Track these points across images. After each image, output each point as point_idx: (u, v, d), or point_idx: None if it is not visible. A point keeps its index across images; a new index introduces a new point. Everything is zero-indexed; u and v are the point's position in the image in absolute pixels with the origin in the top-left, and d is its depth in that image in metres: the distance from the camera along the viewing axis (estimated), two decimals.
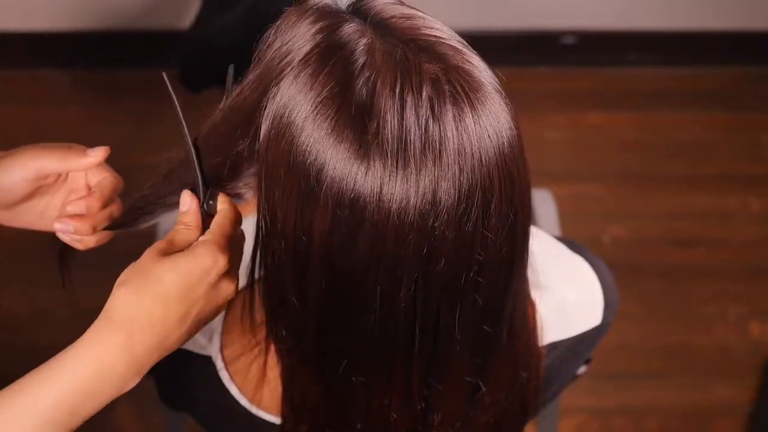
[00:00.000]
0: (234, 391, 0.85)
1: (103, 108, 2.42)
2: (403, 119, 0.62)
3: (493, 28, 2.47)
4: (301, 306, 0.72)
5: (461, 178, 0.64)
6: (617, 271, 1.01)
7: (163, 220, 0.82)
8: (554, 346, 0.88)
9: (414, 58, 0.64)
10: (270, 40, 0.69)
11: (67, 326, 1.94)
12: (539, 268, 0.83)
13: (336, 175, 0.63)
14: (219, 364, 0.85)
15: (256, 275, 0.77)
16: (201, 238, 0.71)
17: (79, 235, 0.79)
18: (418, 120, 0.62)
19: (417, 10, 0.69)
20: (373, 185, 0.63)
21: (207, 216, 0.74)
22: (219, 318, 0.84)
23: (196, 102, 1.23)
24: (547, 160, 2.31)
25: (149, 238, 1.37)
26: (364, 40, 0.65)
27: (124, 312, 0.67)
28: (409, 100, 0.62)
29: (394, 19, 0.66)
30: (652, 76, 2.52)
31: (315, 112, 0.64)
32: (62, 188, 0.81)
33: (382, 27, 0.66)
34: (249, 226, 0.75)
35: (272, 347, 0.80)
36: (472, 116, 0.64)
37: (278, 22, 0.69)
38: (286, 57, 0.67)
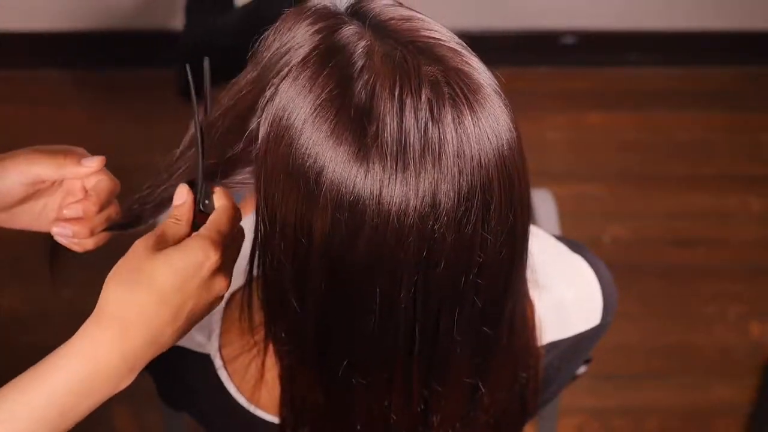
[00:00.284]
0: (232, 390, 0.85)
1: (103, 108, 2.42)
2: (402, 122, 0.62)
3: (493, 28, 2.47)
4: (301, 307, 0.72)
5: (461, 181, 0.63)
6: (617, 271, 1.01)
7: (162, 220, 0.82)
8: (553, 345, 0.88)
9: (413, 61, 0.64)
10: (268, 41, 0.69)
11: (67, 326, 1.93)
12: (538, 267, 0.83)
13: (335, 177, 0.63)
14: (217, 363, 0.85)
15: (255, 275, 0.77)
16: (195, 233, 0.70)
17: (77, 238, 0.79)
18: (417, 122, 0.62)
19: (416, 11, 0.69)
20: (373, 188, 0.63)
21: (202, 214, 0.74)
22: (217, 316, 0.84)
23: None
24: (547, 160, 2.31)
25: None
26: (363, 43, 0.65)
27: (116, 308, 0.66)
28: (409, 102, 0.62)
29: (392, 21, 0.66)
30: (652, 76, 2.52)
31: (314, 114, 0.64)
32: (59, 190, 0.81)
33: (380, 29, 0.66)
34: (248, 225, 0.75)
35: (270, 348, 0.80)
36: (472, 118, 0.64)
37: (277, 24, 0.69)
38: (284, 59, 0.67)
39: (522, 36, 2.50)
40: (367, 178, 0.63)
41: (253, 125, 0.69)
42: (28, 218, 0.80)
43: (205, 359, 0.85)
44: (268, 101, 0.67)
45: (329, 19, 0.67)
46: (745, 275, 2.12)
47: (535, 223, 1.32)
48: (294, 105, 0.65)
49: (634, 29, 2.51)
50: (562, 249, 0.92)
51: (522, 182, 0.68)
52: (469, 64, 0.65)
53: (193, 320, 0.70)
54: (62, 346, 0.67)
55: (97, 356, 0.66)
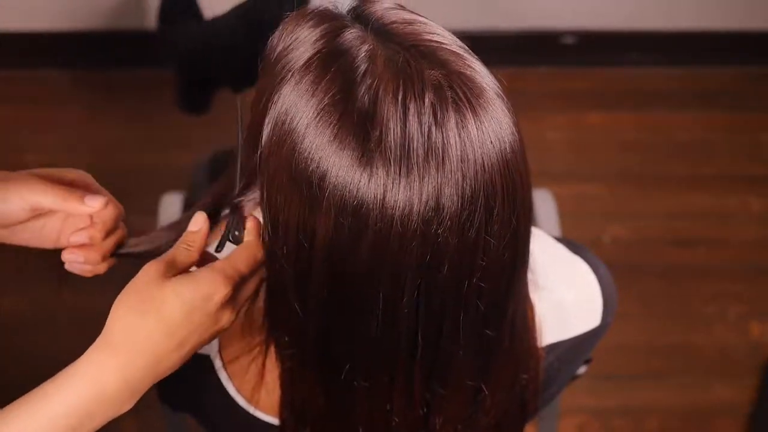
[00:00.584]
0: (232, 391, 0.85)
1: (103, 108, 2.42)
2: (405, 126, 0.62)
3: (494, 28, 2.47)
4: (303, 311, 0.72)
5: (464, 185, 0.63)
6: (617, 271, 1.01)
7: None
8: (553, 347, 0.88)
9: (416, 65, 0.63)
10: (272, 46, 0.69)
11: (68, 327, 1.94)
12: (538, 268, 0.83)
13: (338, 182, 0.63)
14: (217, 364, 0.85)
15: None
16: (210, 265, 0.71)
17: (90, 265, 0.79)
18: (420, 127, 0.62)
19: (417, 14, 0.69)
20: (376, 192, 0.63)
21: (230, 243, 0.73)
22: None
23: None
24: (547, 160, 2.32)
25: None
26: (365, 47, 0.65)
27: (123, 335, 0.67)
28: (412, 107, 0.62)
29: (395, 25, 0.66)
30: (652, 76, 2.53)
31: (317, 119, 0.64)
32: (60, 212, 0.81)
33: (383, 33, 0.66)
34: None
35: (271, 350, 0.80)
36: (475, 122, 0.63)
37: (279, 29, 0.69)
38: (286, 63, 0.67)
39: (522, 36, 2.50)
40: (371, 182, 0.62)
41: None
42: (28, 236, 0.80)
43: (206, 360, 0.85)
44: (271, 105, 0.67)
45: (331, 23, 0.67)
46: (745, 275, 2.12)
47: (535, 223, 1.32)
48: (296, 109, 0.65)
49: (634, 29, 2.51)
50: (562, 250, 0.92)
51: (525, 184, 0.68)
52: (472, 67, 0.65)
53: (194, 350, 0.71)
54: (68, 367, 0.68)
55: (101, 381, 0.67)
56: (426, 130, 0.62)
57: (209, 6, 2.02)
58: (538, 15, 2.46)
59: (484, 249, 0.66)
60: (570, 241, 0.94)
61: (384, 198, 0.63)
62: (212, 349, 0.85)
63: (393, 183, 0.62)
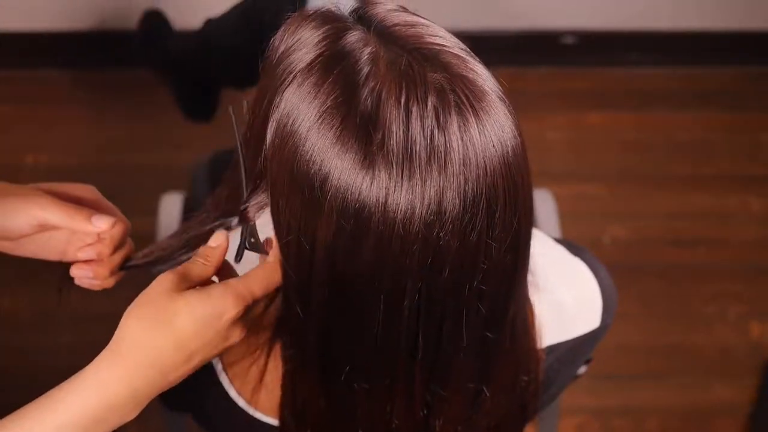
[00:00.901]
0: (232, 393, 0.85)
1: (103, 108, 2.42)
2: (408, 130, 0.62)
3: (494, 28, 2.47)
4: (304, 313, 0.72)
5: (466, 188, 0.63)
6: (617, 271, 1.01)
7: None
8: (553, 348, 0.88)
9: (418, 68, 0.63)
10: (274, 47, 0.69)
11: (68, 327, 1.94)
12: (538, 270, 0.83)
13: (341, 185, 0.63)
14: (218, 366, 0.85)
15: None
16: (224, 282, 0.71)
17: (99, 279, 0.80)
18: (423, 130, 0.62)
19: (419, 16, 0.68)
20: (378, 195, 0.63)
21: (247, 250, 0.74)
22: None
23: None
24: (547, 160, 2.32)
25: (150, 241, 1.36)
26: (368, 49, 0.65)
27: (133, 346, 0.68)
28: (415, 110, 0.62)
29: (397, 27, 0.66)
30: (652, 76, 2.53)
31: (319, 121, 0.63)
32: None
33: (385, 35, 0.66)
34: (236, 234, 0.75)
35: (272, 351, 0.80)
36: (477, 126, 0.63)
37: (281, 30, 0.69)
38: (289, 64, 0.66)
39: (522, 36, 2.50)
40: (373, 185, 0.62)
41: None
42: (34, 248, 0.81)
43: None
44: (274, 107, 0.67)
45: (333, 24, 0.67)
46: (745, 275, 2.12)
47: (535, 223, 1.32)
48: (299, 111, 0.65)
49: (634, 29, 2.51)
50: (562, 251, 0.92)
51: (526, 188, 0.68)
52: (474, 70, 0.65)
53: (203, 362, 0.71)
54: (75, 375, 0.68)
55: (109, 389, 0.67)
56: (428, 133, 0.62)
57: (209, 6, 2.02)
58: (538, 15, 2.46)
59: (485, 252, 0.66)
60: (569, 242, 0.94)
61: (386, 201, 0.63)
62: None
63: (395, 186, 0.62)
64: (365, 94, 0.63)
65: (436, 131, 0.62)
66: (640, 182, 2.29)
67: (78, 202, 0.80)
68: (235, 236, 0.75)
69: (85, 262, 0.80)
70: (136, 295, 0.70)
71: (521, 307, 0.79)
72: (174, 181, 1.89)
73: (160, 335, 0.68)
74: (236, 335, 0.72)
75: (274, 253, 0.73)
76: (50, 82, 2.48)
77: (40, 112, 2.41)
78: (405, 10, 0.69)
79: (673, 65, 2.53)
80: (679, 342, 2.02)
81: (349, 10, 0.69)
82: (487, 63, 0.68)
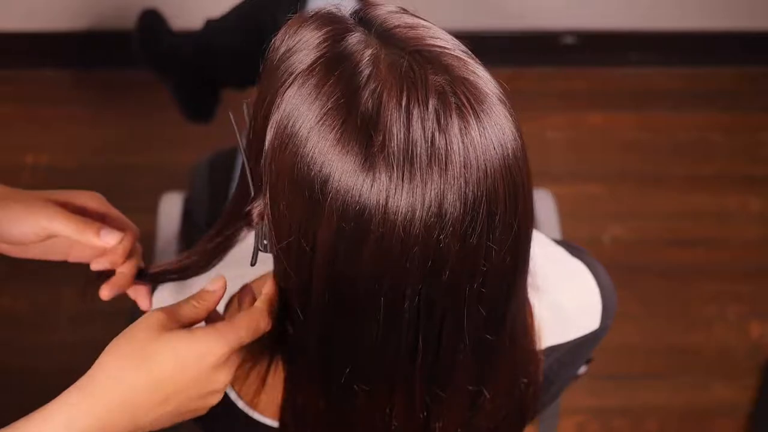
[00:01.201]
0: (232, 394, 0.85)
1: (103, 108, 2.42)
2: (409, 132, 0.62)
3: (494, 28, 2.47)
4: (304, 315, 0.72)
5: (467, 191, 0.63)
6: (617, 271, 1.01)
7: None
8: (552, 350, 0.88)
9: (419, 70, 0.63)
10: (274, 47, 0.69)
11: (68, 326, 1.94)
12: (537, 271, 0.83)
13: (341, 187, 0.63)
14: None
15: None
16: (211, 325, 0.69)
17: (122, 290, 0.80)
18: (424, 133, 0.62)
19: (420, 18, 0.68)
20: (379, 198, 0.63)
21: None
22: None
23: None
24: (547, 160, 2.32)
25: (150, 240, 1.36)
26: (369, 51, 0.64)
27: (107, 384, 0.66)
28: (416, 112, 0.62)
29: (398, 29, 0.66)
30: (652, 76, 2.53)
31: (320, 123, 0.63)
32: None
33: (386, 37, 0.66)
34: (250, 239, 0.75)
35: (272, 354, 0.80)
36: (478, 128, 0.63)
37: (282, 30, 0.69)
38: (289, 65, 0.66)
39: (522, 36, 2.50)
40: (374, 187, 0.62)
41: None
42: (38, 251, 0.81)
43: None
44: (274, 108, 0.67)
45: (334, 25, 0.66)
46: (745, 275, 2.12)
47: (535, 224, 1.32)
48: (299, 113, 0.65)
49: (634, 29, 2.51)
50: (561, 253, 0.92)
51: (527, 191, 0.68)
52: (475, 73, 0.65)
53: (183, 410, 0.69)
54: (42, 408, 0.66)
55: (77, 423, 0.65)
56: (429, 135, 0.62)
57: (209, 6, 2.03)
58: (538, 15, 2.46)
59: (485, 254, 0.66)
60: (569, 243, 0.94)
61: (386, 203, 0.62)
62: None
63: (395, 188, 0.62)
64: (366, 96, 0.62)
65: (437, 133, 0.62)
66: (640, 182, 2.29)
67: (84, 211, 0.80)
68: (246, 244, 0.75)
69: (100, 272, 0.80)
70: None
71: (521, 309, 0.79)
72: (174, 181, 1.89)
73: (138, 376, 0.66)
74: (222, 380, 0.69)
75: (263, 299, 0.73)
76: (50, 82, 2.48)
77: (40, 112, 2.41)
78: (406, 11, 0.69)
79: (673, 65, 2.53)
80: (679, 342, 2.02)
81: (350, 12, 0.69)
82: (487, 63, 0.68)
